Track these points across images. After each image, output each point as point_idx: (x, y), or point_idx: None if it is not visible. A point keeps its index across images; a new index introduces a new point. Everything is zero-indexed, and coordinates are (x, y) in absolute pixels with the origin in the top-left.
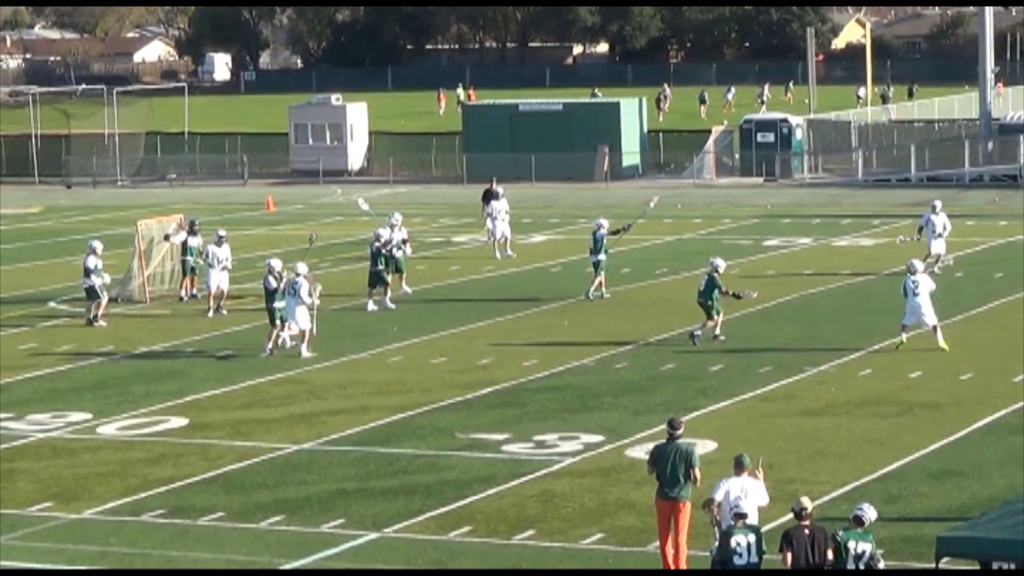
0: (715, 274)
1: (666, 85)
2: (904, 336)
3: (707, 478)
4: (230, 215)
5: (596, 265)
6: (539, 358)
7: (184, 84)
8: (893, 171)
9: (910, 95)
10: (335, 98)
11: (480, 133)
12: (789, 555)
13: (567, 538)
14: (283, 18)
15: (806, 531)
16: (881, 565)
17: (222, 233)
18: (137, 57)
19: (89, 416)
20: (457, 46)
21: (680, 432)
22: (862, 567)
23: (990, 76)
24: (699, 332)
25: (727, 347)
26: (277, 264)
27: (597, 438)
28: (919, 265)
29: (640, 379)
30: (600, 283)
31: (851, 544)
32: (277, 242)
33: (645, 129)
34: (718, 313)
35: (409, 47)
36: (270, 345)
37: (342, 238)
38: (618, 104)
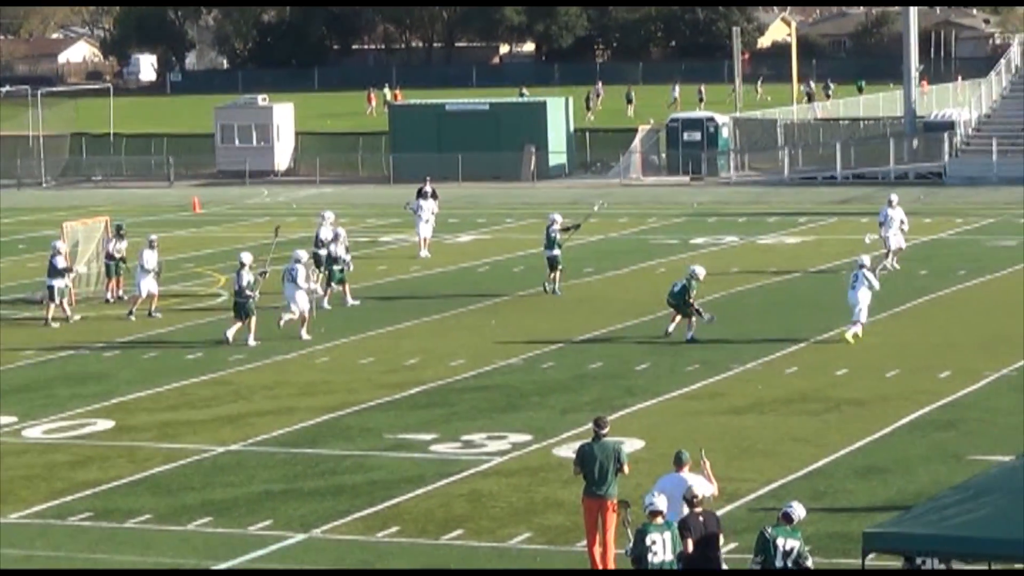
0: (693, 281)
1: (600, 83)
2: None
3: (633, 476)
4: (156, 216)
5: (550, 260)
6: (466, 358)
7: (109, 85)
8: (819, 169)
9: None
10: (261, 99)
11: (407, 133)
12: (690, 541)
13: (495, 537)
14: (209, 19)
15: (700, 518)
16: (809, 563)
17: (153, 238)
18: (62, 58)
19: (14, 419)
20: (383, 46)
21: (606, 431)
22: (790, 564)
23: (914, 74)
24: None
25: (653, 346)
26: (248, 258)
27: (525, 437)
28: (866, 260)
29: (567, 378)
30: (555, 277)
31: (780, 541)
32: (204, 243)
33: (571, 128)
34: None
35: (335, 47)
36: (231, 333)
37: (269, 238)
38: (544, 103)
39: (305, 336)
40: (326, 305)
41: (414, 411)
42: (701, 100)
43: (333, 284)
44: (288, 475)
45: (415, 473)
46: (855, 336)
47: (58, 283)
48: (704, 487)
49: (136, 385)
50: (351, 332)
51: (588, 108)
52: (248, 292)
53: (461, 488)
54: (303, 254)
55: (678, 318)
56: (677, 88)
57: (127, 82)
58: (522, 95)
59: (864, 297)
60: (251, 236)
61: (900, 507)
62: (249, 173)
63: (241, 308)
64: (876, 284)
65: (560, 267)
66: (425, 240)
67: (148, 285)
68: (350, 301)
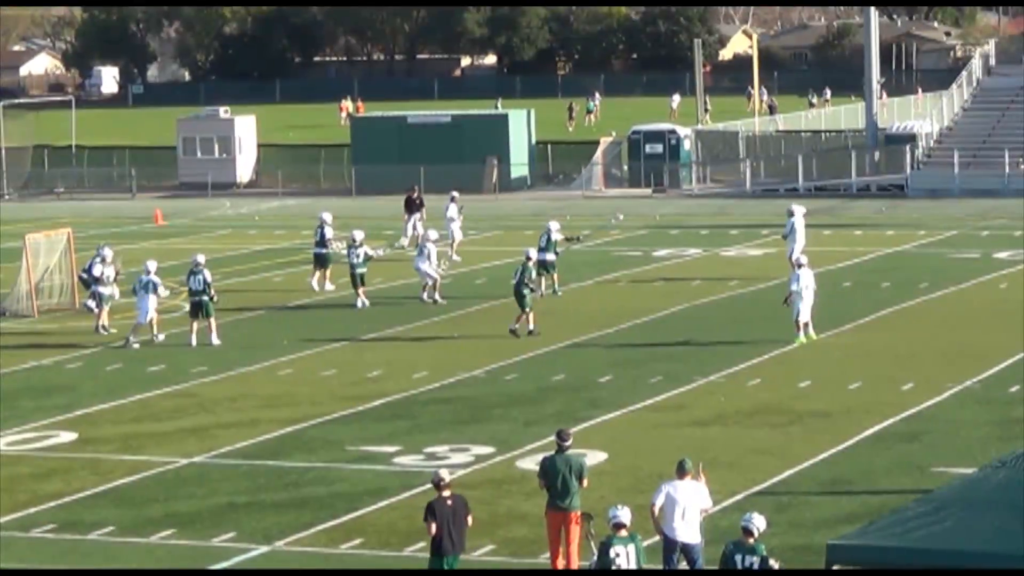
0: (528, 263)
1: (597, 93)
2: (803, 335)
3: (597, 489)
4: (118, 228)
5: (543, 264)
6: (429, 370)
7: (71, 97)
8: (781, 181)
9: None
10: (223, 111)
11: (368, 145)
12: (433, 525)
13: None
14: (171, 31)
15: (448, 501)
16: (776, 565)
17: (106, 253)
18: (23, 70)
19: None
20: (345, 58)
21: (569, 443)
22: None
23: (876, 86)
24: (516, 326)
25: (616, 358)
26: (202, 258)
27: (488, 449)
28: (804, 259)
29: (530, 390)
30: (554, 279)
31: (737, 558)
32: (166, 255)
33: (533, 140)
34: (530, 308)
35: (297, 60)
36: (193, 336)
37: (233, 251)
38: (506, 116)
39: (153, 339)
40: (361, 302)
41: (377, 423)
42: (671, 113)
43: (200, 318)
44: (251, 487)
45: (378, 485)
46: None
47: (106, 291)
48: (704, 499)
49: (99, 397)
50: (314, 344)
51: (571, 118)
52: (207, 291)
53: (424, 500)
54: (153, 265)
55: (522, 317)
56: (676, 98)
57: (89, 94)
58: (497, 108)
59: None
60: (214, 248)
61: (864, 519)
62: (211, 185)
63: (198, 308)
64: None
65: (555, 271)
66: (455, 243)
67: (151, 308)
68: (215, 340)
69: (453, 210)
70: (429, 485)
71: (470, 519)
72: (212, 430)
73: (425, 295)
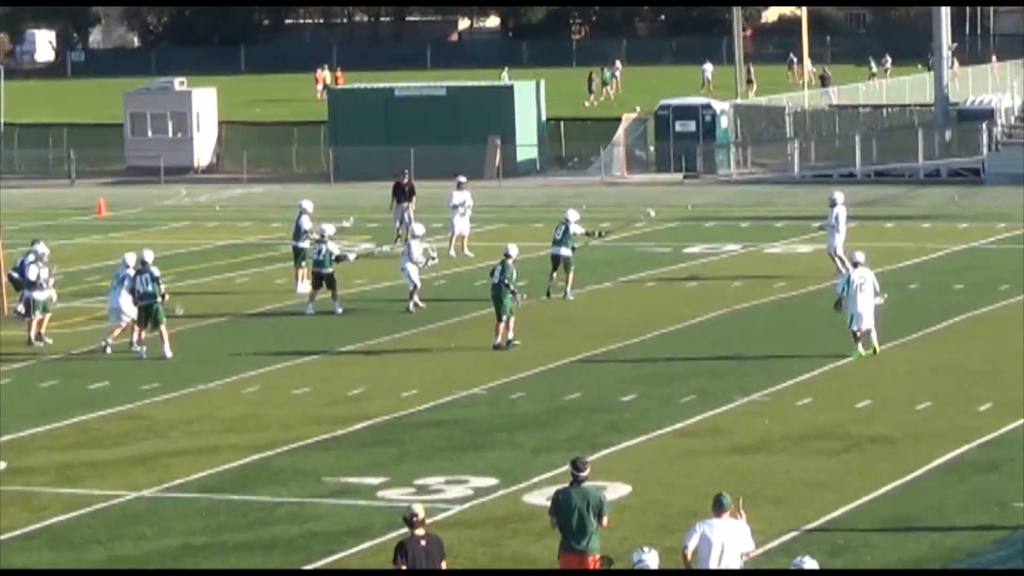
0: (508, 261)
1: (617, 62)
2: (860, 345)
3: (618, 528)
4: (54, 221)
5: (556, 259)
6: (421, 387)
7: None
8: (835, 165)
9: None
10: (178, 82)
11: (349, 123)
12: (403, 566)
13: None
14: None
15: (422, 542)
16: None
17: (41, 250)
18: None
19: None
20: (322, 20)
21: (586, 474)
22: None
23: (946, 53)
24: (499, 341)
25: (642, 373)
26: (149, 256)
27: (490, 482)
28: (861, 256)
29: (540, 412)
30: (568, 279)
31: None
32: (111, 253)
33: (543, 117)
34: (511, 314)
35: (265, 22)
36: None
37: (189, 247)
38: (511, 88)
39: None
40: (335, 309)
41: (359, 451)
42: (704, 84)
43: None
44: (211, 526)
45: (360, 524)
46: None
47: (40, 295)
48: (745, 541)
49: (31, 419)
50: (284, 357)
51: (591, 91)
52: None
53: None
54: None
55: (500, 327)
56: (709, 67)
57: (20, 62)
58: (504, 79)
59: (870, 301)
60: (167, 243)
61: (934, 564)
62: (164, 170)
63: (147, 313)
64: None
65: (572, 269)
66: (462, 237)
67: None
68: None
69: (459, 198)
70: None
71: (444, 564)
72: (164, 459)
73: (411, 304)
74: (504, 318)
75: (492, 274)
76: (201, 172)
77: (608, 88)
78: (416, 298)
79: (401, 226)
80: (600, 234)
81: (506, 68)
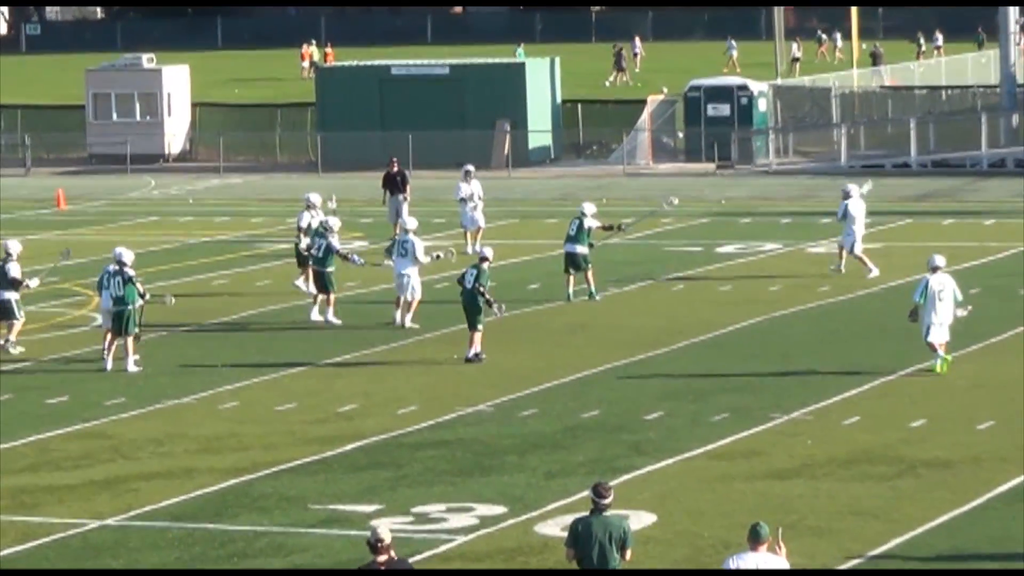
0: (483, 265)
1: (637, 38)
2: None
3: (643, 561)
4: (7, 214)
5: (571, 258)
6: (420, 403)
7: None
8: (887, 154)
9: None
10: (147, 59)
11: (340, 105)
12: None
13: None
14: None
15: (381, 568)
16: None
17: (11, 249)
18: None
19: None
20: None
21: (608, 501)
22: None
23: (1013, 28)
24: (471, 353)
25: (669, 388)
26: (129, 257)
27: (498, 509)
28: (941, 261)
29: (554, 431)
30: (588, 279)
31: None
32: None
33: (558, 99)
34: (479, 327)
35: None
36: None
37: (159, 245)
38: (522, 66)
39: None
40: (328, 318)
41: (350, 474)
42: (729, 63)
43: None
44: (184, 558)
45: (352, 556)
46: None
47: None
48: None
49: None
50: (266, 369)
51: (621, 69)
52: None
53: None
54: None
55: (475, 335)
56: (734, 46)
57: None
58: (519, 55)
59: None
60: (134, 240)
61: None
62: (131, 158)
63: (119, 320)
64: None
65: (590, 267)
66: (476, 232)
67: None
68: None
69: (466, 189)
70: (420, 556)
71: None
72: (132, 482)
73: (398, 315)
74: (480, 328)
75: (463, 280)
76: (172, 160)
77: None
78: (411, 315)
79: (399, 220)
80: (620, 227)
81: (521, 45)
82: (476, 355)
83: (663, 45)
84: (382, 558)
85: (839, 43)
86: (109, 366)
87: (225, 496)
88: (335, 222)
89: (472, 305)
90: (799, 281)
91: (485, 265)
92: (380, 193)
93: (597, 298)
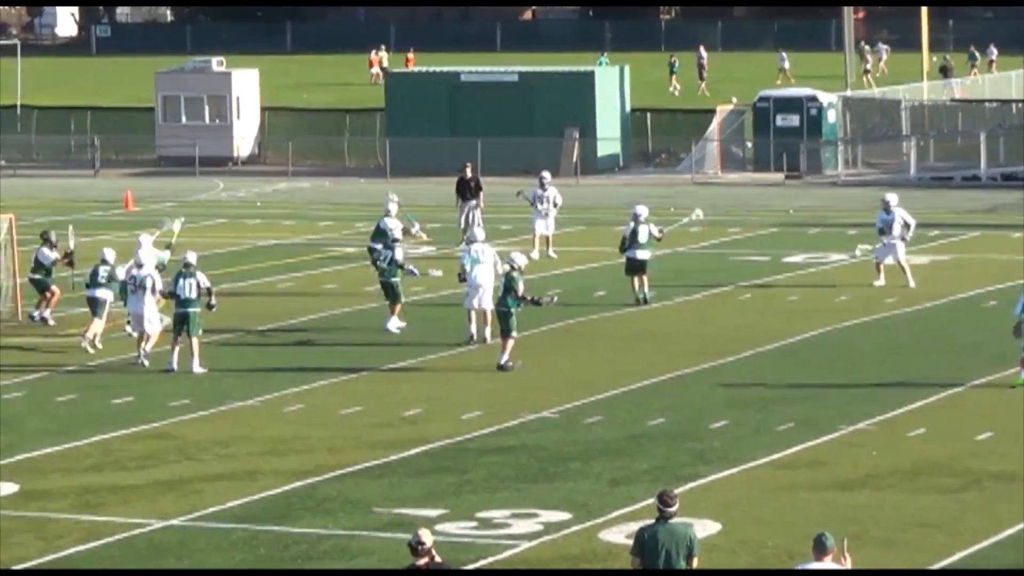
0: (513, 272)
1: (702, 48)
2: None
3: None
4: (75, 215)
5: (632, 265)
6: (485, 409)
7: (16, 42)
8: (956, 166)
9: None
10: (216, 62)
11: (409, 110)
12: None
13: None
14: None
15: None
16: None
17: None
18: None
19: None
20: None
21: (674, 509)
22: None
23: None
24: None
25: (734, 397)
26: (193, 257)
27: (561, 516)
28: None
29: (619, 438)
30: (643, 283)
31: None
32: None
33: (628, 107)
34: (513, 334)
35: None
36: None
37: (225, 247)
38: (591, 74)
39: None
40: (388, 326)
41: (414, 478)
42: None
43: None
44: (248, 560)
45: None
46: None
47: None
48: None
49: (47, 438)
50: (331, 372)
51: (701, 78)
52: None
53: None
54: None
55: (508, 342)
56: (785, 58)
57: (40, 37)
58: (601, 64)
59: None
60: (201, 242)
61: None
62: (199, 160)
63: (184, 322)
64: None
65: (645, 271)
66: (547, 239)
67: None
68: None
69: (542, 195)
70: (483, 561)
71: None
72: (196, 484)
73: (474, 328)
74: (511, 336)
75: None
76: (241, 164)
77: (676, 78)
78: (490, 327)
79: (468, 228)
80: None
81: (604, 53)
82: (507, 363)
83: (732, 55)
84: (422, 561)
85: (883, 56)
86: (175, 367)
87: (289, 498)
88: (399, 231)
89: (502, 312)
90: (866, 292)
91: (515, 272)
92: (451, 198)
93: (650, 301)
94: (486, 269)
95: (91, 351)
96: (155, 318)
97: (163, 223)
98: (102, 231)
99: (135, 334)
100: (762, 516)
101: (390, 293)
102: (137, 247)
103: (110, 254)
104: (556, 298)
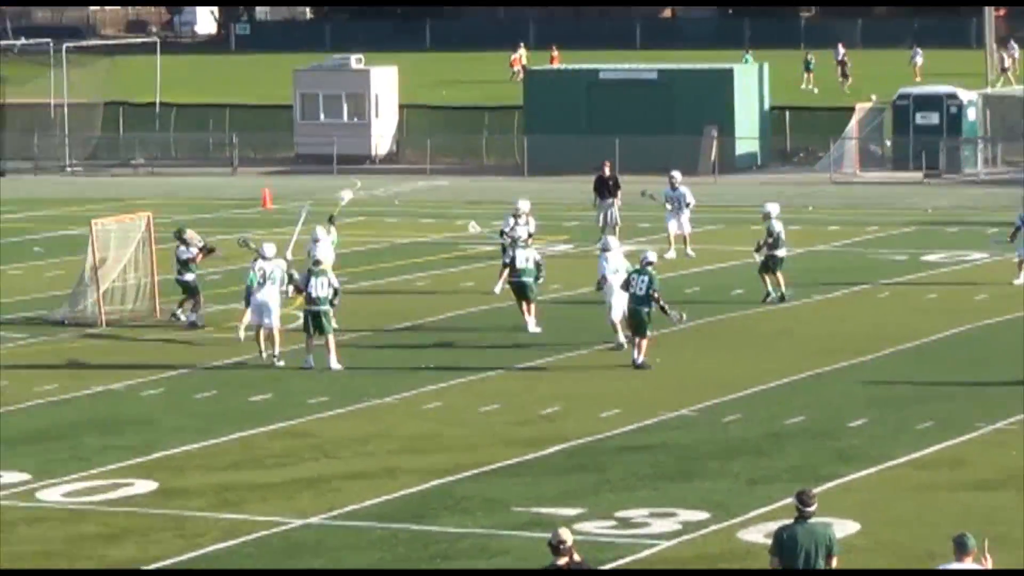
0: (650, 269)
1: (841, 46)
2: None
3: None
4: (213, 213)
5: (770, 262)
6: (622, 407)
7: (156, 39)
8: None
9: None
10: (355, 59)
11: (547, 108)
12: None
13: None
14: None
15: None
16: None
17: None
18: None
19: (26, 477)
20: None
21: (813, 509)
22: None
23: None
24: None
25: (873, 396)
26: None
27: (700, 515)
28: None
29: (757, 436)
30: (778, 281)
31: None
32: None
33: (767, 105)
34: (648, 334)
35: None
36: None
37: (364, 244)
38: (731, 72)
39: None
40: (528, 326)
41: (553, 477)
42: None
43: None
44: (386, 559)
45: (553, 560)
46: None
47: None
48: None
49: (186, 435)
50: (469, 370)
51: (844, 76)
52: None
53: None
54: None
55: (643, 342)
56: (919, 53)
57: (179, 35)
58: (747, 61)
59: None
60: (339, 240)
61: None
62: (338, 158)
63: (315, 319)
64: None
65: (779, 269)
66: (684, 237)
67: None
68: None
69: (672, 195)
70: (622, 560)
71: None
72: (334, 482)
73: (621, 338)
74: (646, 336)
75: (628, 284)
76: (379, 162)
77: (811, 75)
78: (622, 337)
79: (606, 226)
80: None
81: (749, 51)
82: (644, 363)
83: (871, 52)
84: (562, 560)
85: (1015, 54)
86: (312, 364)
87: (427, 497)
88: (524, 231)
89: (638, 311)
90: (1006, 290)
91: (651, 269)
92: (589, 196)
93: (787, 298)
94: (620, 278)
95: (242, 339)
96: (277, 311)
97: (342, 196)
98: (239, 229)
99: (251, 331)
100: (901, 516)
101: (523, 292)
102: (313, 241)
103: (270, 249)
104: (684, 316)
